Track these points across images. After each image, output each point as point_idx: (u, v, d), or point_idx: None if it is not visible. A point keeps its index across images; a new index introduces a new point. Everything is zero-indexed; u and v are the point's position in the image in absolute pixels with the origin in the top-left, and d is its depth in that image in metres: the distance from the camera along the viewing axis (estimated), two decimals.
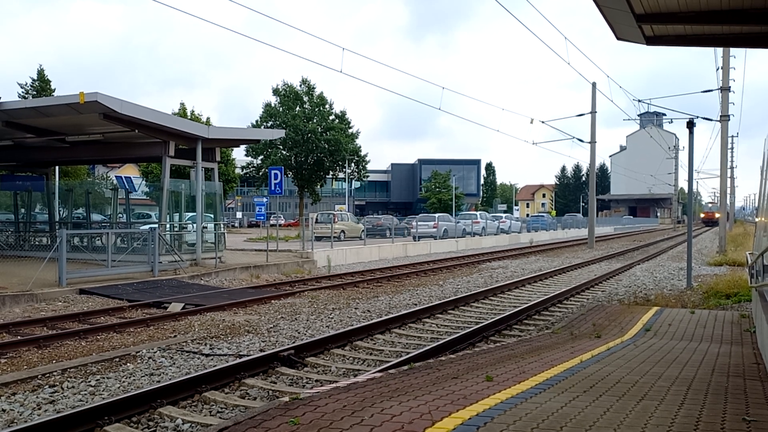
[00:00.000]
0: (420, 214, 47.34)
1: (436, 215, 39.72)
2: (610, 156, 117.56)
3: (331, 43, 65.46)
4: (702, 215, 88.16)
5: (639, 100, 28.12)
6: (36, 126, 17.45)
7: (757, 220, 12.53)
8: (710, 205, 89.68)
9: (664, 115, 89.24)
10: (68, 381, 6.96)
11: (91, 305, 12.49)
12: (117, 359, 8.02)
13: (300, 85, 57.31)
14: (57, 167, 29.01)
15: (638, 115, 61.80)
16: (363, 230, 31.15)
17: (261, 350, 8.41)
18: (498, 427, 3.71)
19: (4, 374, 7.31)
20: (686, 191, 24.17)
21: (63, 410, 5.82)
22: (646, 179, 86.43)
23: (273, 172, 22.17)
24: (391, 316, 10.83)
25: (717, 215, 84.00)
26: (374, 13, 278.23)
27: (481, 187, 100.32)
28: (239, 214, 73.90)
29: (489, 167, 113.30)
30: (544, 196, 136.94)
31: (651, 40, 9.68)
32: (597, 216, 45.91)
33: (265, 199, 27.73)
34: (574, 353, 6.56)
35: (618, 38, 9.78)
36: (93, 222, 21.98)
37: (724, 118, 26.40)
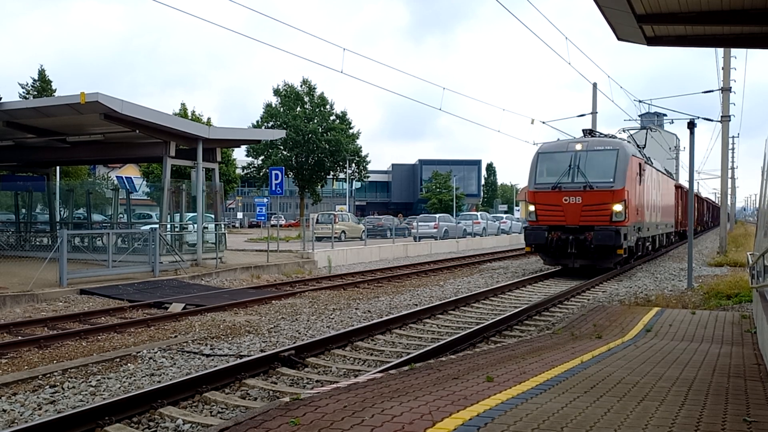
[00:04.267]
0: (420, 215, 47.38)
1: (437, 216, 39.75)
2: None
3: (332, 43, 65.65)
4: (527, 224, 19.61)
5: (640, 101, 28.08)
6: (37, 126, 17.46)
7: (758, 220, 12.51)
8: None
9: (665, 115, 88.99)
10: (69, 381, 6.97)
11: (91, 305, 12.49)
12: (118, 359, 8.02)
13: (301, 86, 57.29)
14: (58, 167, 29.07)
15: (639, 116, 61.72)
16: (363, 230, 31.14)
17: (262, 350, 8.42)
18: (498, 428, 3.71)
19: (4, 374, 7.32)
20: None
21: (63, 410, 5.83)
22: None
23: (274, 172, 22.22)
24: (391, 316, 10.83)
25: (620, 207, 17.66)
26: (375, 13, 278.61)
27: (482, 188, 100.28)
28: (240, 215, 73.99)
29: (489, 168, 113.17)
30: None
31: (652, 41, 9.68)
32: None
33: (265, 200, 27.83)
34: (574, 354, 6.56)
35: (619, 39, 9.78)
36: (94, 222, 22.00)
37: (725, 118, 26.39)
